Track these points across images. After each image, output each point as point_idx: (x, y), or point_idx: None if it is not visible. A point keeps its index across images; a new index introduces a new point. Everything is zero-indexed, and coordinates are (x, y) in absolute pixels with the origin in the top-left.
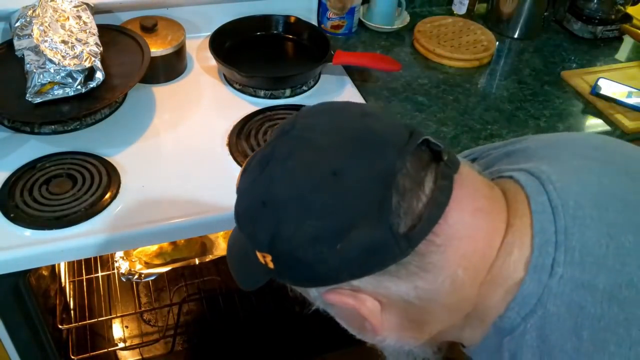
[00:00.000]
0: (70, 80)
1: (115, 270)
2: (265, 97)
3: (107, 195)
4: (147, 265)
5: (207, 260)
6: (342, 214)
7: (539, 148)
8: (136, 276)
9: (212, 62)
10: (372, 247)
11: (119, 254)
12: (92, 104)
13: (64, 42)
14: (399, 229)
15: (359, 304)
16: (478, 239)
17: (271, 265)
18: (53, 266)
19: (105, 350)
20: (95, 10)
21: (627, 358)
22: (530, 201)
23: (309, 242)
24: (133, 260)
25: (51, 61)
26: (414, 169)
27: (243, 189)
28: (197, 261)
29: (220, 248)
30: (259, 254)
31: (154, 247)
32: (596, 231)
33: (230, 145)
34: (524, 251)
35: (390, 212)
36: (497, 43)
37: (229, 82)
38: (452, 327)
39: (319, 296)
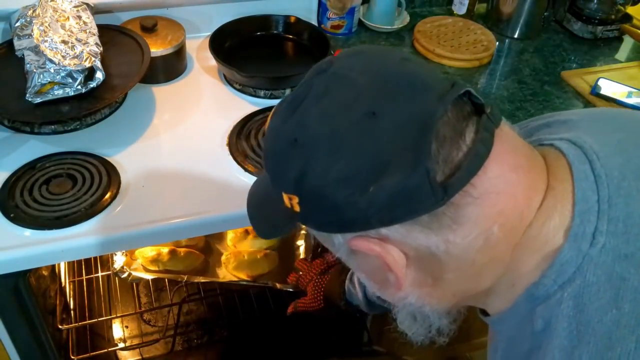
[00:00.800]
0: (70, 80)
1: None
2: (265, 97)
3: (107, 195)
4: (143, 267)
5: (194, 280)
6: (377, 156)
7: (581, 120)
8: (125, 274)
9: (212, 62)
10: (405, 193)
11: (119, 253)
12: (92, 104)
13: (64, 42)
14: (436, 177)
15: (385, 252)
16: (517, 196)
17: (297, 208)
18: (53, 266)
19: (105, 350)
20: (95, 10)
21: None
22: (572, 168)
23: (339, 183)
24: (133, 258)
25: (51, 61)
26: (455, 117)
27: (273, 128)
28: (185, 278)
29: (217, 275)
30: (285, 196)
31: (153, 251)
32: None
33: (230, 145)
34: (564, 217)
35: (428, 158)
36: (497, 43)
37: (229, 82)
38: (479, 291)
39: (343, 243)
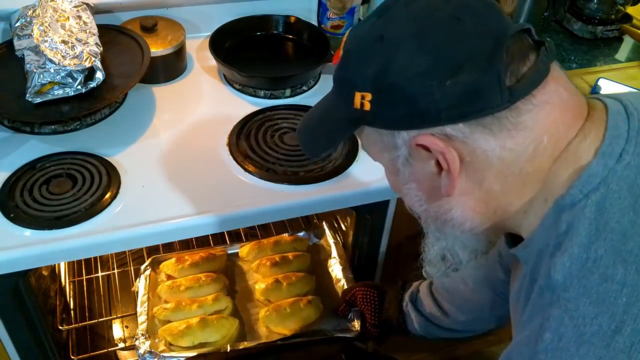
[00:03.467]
0: (70, 80)
1: (135, 349)
2: (265, 97)
3: (107, 195)
4: (171, 347)
5: (240, 347)
6: (456, 54)
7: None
8: (157, 359)
9: (212, 62)
10: (477, 90)
11: (140, 331)
12: (92, 104)
13: (64, 42)
14: (505, 81)
15: (448, 150)
16: (568, 111)
17: (367, 106)
18: (53, 266)
19: (105, 350)
20: (95, 10)
21: None
22: (607, 106)
23: (420, 76)
24: (156, 340)
25: (51, 61)
26: (521, 43)
27: (356, 33)
28: (228, 348)
29: (259, 335)
30: (357, 96)
31: (180, 326)
32: None
33: (230, 145)
34: (597, 139)
35: (500, 63)
36: None
37: (229, 82)
38: (517, 210)
39: (407, 141)
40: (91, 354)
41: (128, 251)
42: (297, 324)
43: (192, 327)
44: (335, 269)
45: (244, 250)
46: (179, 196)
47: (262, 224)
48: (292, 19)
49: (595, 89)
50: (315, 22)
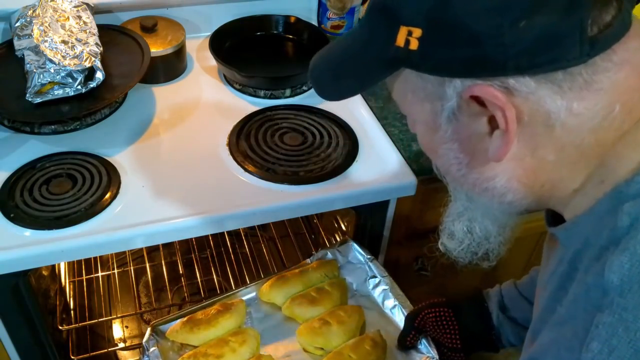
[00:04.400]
0: (70, 80)
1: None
2: (265, 97)
3: (107, 195)
4: None
5: None
6: None
7: None
8: None
9: (212, 62)
10: (553, 38)
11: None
12: (92, 104)
13: (64, 42)
14: (587, 29)
15: (508, 106)
16: None
17: (414, 45)
18: (53, 266)
19: (105, 350)
20: (95, 10)
21: None
22: None
23: (489, 11)
24: None
25: (51, 61)
26: None
27: None
28: None
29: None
30: (402, 31)
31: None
32: None
33: (230, 145)
34: None
35: (584, 9)
36: None
37: (229, 82)
38: (567, 187)
39: (460, 90)
40: (91, 354)
41: (128, 251)
42: None
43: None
44: (380, 293)
45: (265, 292)
46: (179, 196)
47: (262, 224)
48: (292, 19)
49: None
50: (315, 22)
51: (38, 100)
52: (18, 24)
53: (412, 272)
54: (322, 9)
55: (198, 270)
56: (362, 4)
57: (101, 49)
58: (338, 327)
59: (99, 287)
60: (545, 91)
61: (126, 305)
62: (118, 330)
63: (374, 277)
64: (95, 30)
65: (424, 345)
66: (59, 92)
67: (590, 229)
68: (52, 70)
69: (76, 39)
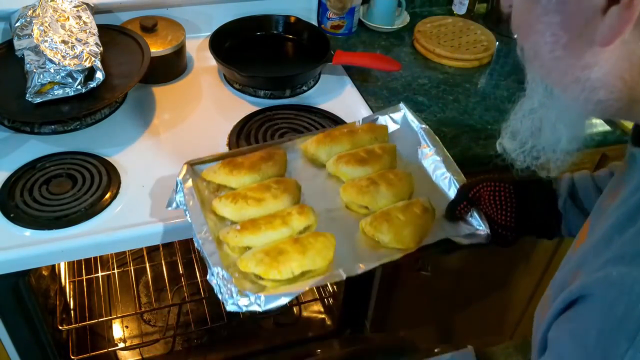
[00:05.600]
0: (70, 80)
1: (218, 295)
2: (265, 97)
3: (107, 195)
4: (261, 281)
5: (359, 271)
6: None
7: None
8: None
9: (212, 62)
10: None
11: (216, 267)
12: (92, 104)
13: (64, 42)
14: None
15: None
16: None
17: None
18: (53, 266)
19: (105, 350)
20: (95, 10)
21: None
22: None
23: None
24: (236, 275)
25: (51, 61)
26: None
27: None
28: (343, 274)
29: (368, 253)
30: None
31: (271, 253)
32: None
33: (230, 145)
34: None
35: None
36: (497, 43)
37: (229, 82)
38: None
39: None
40: (91, 354)
41: (128, 251)
42: (415, 235)
43: (289, 253)
44: (431, 162)
45: (310, 147)
46: None
47: None
48: (292, 19)
49: None
50: (315, 22)
51: (38, 100)
52: (18, 24)
53: (412, 272)
54: (322, 9)
55: (198, 270)
56: (362, 3)
57: (101, 49)
58: (387, 189)
59: (99, 287)
60: None
61: (126, 305)
62: (118, 330)
63: (427, 147)
64: (95, 30)
65: (475, 218)
66: (59, 92)
67: None
68: (52, 70)
69: (76, 39)
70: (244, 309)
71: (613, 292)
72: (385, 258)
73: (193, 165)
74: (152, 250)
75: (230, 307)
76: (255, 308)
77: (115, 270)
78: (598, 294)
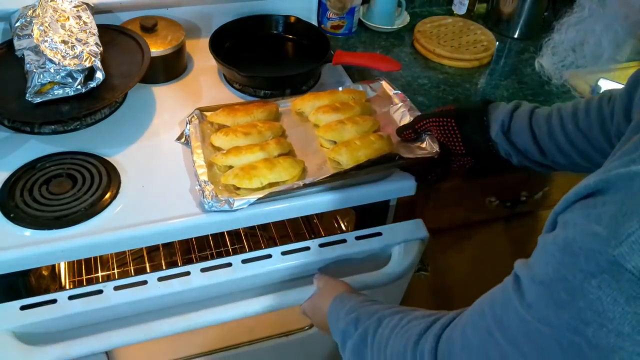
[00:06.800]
0: (70, 80)
1: (201, 200)
2: (265, 97)
3: (107, 195)
4: (238, 191)
5: (319, 180)
6: None
7: None
8: (224, 205)
9: (212, 62)
10: None
11: (202, 178)
12: (92, 104)
13: (64, 42)
14: None
15: None
16: None
17: None
18: (53, 266)
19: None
20: (95, 10)
21: None
22: None
23: None
24: (220, 187)
25: (51, 61)
26: None
27: None
28: (302, 183)
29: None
30: None
31: (246, 168)
32: None
33: None
34: None
35: None
36: (497, 43)
37: (229, 82)
38: None
39: None
40: None
41: (128, 251)
42: (369, 156)
43: (259, 168)
44: (399, 114)
45: (297, 103)
46: (179, 196)
47: (262, 224)
48: (292, 19)
49: (595, 90)
50: (315, 22)
51: (38, 100)
52: (18, 24)
53: (412, 272)
54: (322, 9)
55: None
56: (362, 3)
57: (101, 49)
58: (352, 126)
59: None
60: None
61: None
62: None
63: (397, 104)
64: (95, 30)
65: (427, 142)
66: (59, 92)
67: None
68: (52, 70)
69: (76, 39)
70: (219, 209)
71: (637, 183)
72: (339, 171)
73: (202, 111)
74: (152, 250)
75: (208, 207)
76: (227, 207)
77: (115, 270)
78: (621, 185)
